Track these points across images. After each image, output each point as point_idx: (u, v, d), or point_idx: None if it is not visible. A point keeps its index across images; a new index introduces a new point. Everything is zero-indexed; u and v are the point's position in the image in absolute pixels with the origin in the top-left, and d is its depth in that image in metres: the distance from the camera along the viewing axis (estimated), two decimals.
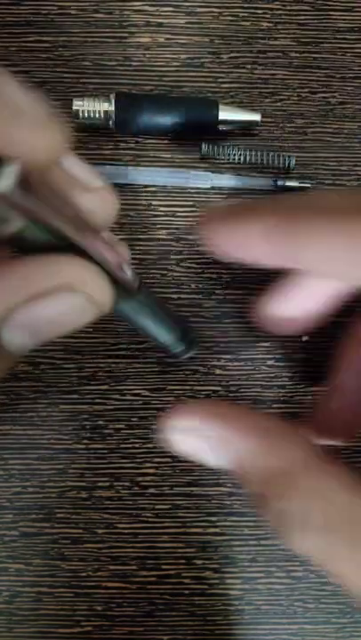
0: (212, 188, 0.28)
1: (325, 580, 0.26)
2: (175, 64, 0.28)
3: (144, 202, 0.28)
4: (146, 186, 0.28)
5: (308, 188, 0.27)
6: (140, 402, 0.27)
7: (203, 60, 0.28)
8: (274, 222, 0.18)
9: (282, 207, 0.19)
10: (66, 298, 0.15)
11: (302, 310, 0.22)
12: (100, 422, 0.27)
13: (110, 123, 0.27)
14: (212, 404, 0.22)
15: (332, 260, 0.18)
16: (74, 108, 0.27)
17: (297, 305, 0.22)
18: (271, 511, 0.18)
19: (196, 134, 0.28)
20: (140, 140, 0.28)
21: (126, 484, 0.27)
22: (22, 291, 0.15)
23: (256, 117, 0.27)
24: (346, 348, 0.23)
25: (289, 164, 0.27)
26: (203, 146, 0.27)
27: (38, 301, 0.15)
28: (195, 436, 0.19)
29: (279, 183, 0.27)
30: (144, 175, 0.27)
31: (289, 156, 0.27)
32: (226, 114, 0.27)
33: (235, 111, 0.27)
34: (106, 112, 0.26)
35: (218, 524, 0.27)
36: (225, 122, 0.27)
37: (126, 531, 0.26)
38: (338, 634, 0.26)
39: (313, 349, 0.27)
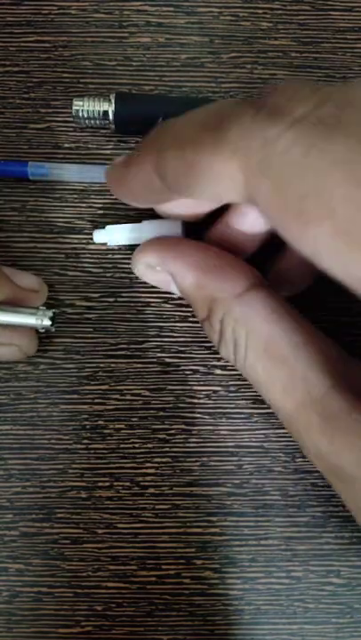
0: None
1: (325, 579, 0.27)
2: (175, 64, 0.28)
3: None
4: None
5: None
6: (140, 402, 0.27)
7: (203, 60, 0.28)
8: (151, 164, 0.20)
9: (152, 145, 0.20)
10: (11, 349, 0.25)
11: (242, 235, 0.23)
12: (100, 422, 0.27)
13: (110, 123, 0.27)
14: (170, 241, 0.24)
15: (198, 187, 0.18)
16: (74, 107, 0.27)
17: (234, 230, 0.23)
18: (212, 334, 0.22)
19: None
20: (140, 139, 0.28)
21: (126, 484, 0.27)
22: None
23: None
24: None
25: None
26: None
27: None
28: (155, 271, 0.24)
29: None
30: None
31: None
32: None
33: None
34: (106, 112, 0.26)
35: (218, 524, 0.27)
36: None
37: (126, 531, 0.26)
38: (338, 634, 0.26)
39: None
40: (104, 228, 0.26)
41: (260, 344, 0.21)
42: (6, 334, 0.25)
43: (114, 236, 0.26)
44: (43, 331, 0.25)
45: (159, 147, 0.19)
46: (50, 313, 0.24)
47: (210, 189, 0.18)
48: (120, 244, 0.27)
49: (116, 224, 0.26)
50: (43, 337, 0.27)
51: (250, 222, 0.23)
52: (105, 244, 0.27)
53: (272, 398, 0.21)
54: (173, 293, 0.25)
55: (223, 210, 0.23)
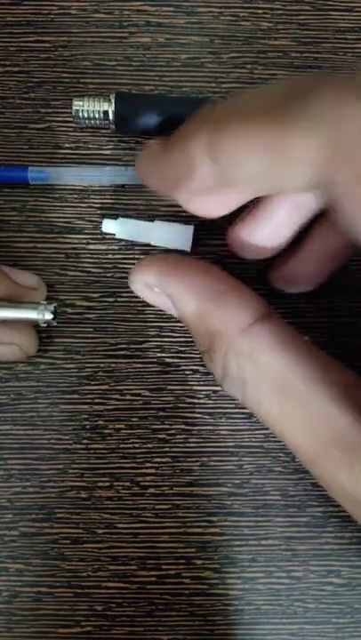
0: None
1: (326, 579, 0.27)
2: (175, 64, 0.28)
3: (144, 202, 0.28)
4: (146, 185, 0.28)
5: None
6: (140, 402, 0.27)
7: (203, 60, 0.28)
8: (203, 143, 0.17)
9: (205, 122, 0.18)
10: (9, 349, 0.25)
11: (271, 234, 0.22)
12: (100, 422, 0.27)
13: (110, 123, 0.27)
14: (171, 260, 0.22)
15: (258, 170, 0.16)
16: (74, 107, 0.27)
17: (265, 229, 0.22)
18: (214, 368, 0.21)
19: None
20: (140, 139, 0.28)
21: (126, 484, 0.27)
22: None
23: None
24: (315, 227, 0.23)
25: None
26: None
27: None
28: (154, 292, 0.22)
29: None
30: None
31: None
32: None
33: None
34: (106, 112, 0.26)
35: (218, 524, 0.27)
36: None
37: (126, 531, 0.26)
38: (338, 634, 0.26)
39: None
40: (115, 218, 0.27)
41: (272, 381, 0.19)
42: (7, 333, 0.24)
43: (124, 228, 0.26)
44: (44, 325, 0.25)
45: (214, 125, 0.17)
46: (51, 307, 0.24)
47: (278, 175, 0.16)
48: (128, 238, 0.27)
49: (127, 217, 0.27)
50: (43, 337, 0.27)
51: (278, 220, 0.21)
52: (112, 235, 0.27)
53: (289, 437, 0.19)
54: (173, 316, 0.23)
55: (241, 210, 0.22)
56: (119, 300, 0.27)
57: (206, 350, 0.21)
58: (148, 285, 0.21)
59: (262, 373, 0.19)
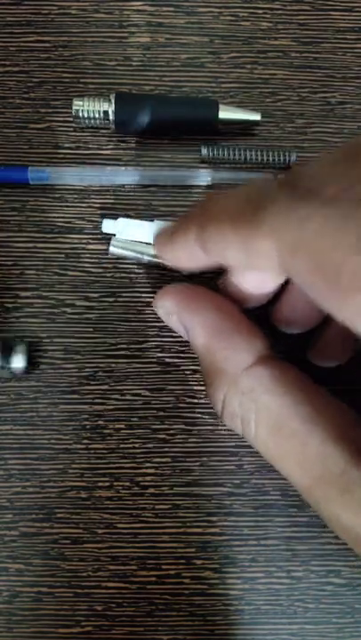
0: (213, 186, 0.28)
1: (326, 579, 0.27)
2: (175, 64, 0.28)
3: (144, 202, 0.28)
4: (146, 186, 0.28)
5: None
6: (140, 402, 0.27)
7: (203, 60, 0.28)
8: (194, 237, 0.21)
9: (195, 220, 0.21)
10: None
11: (255, 288, 0.23)
12: (100, 422, 0.27)
13: (110, 123, 0.27)
14: (189, 291, 0.24)
15: (242, 257, 0.19)
16: (74, 107, 0.27)
17: (250, 283, 0.23)
18: (214, 403, 0.22)
19: (196, 134, 0.28)
20: (140, 139, 0.28)
21: (126, 484, 0.27)
22: None
23: (256, 117, 0.27)
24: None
25: (290, 160, 0.27)
26: (203, 149, 0.27)
27: None
28: (173, 319, 0.23)
29: (280, 177, 0.27)
30: (144, 175, 0.27)
31: (290, 152, 0.27)
32: (226, 113, 0.27)
33: (235, 111, 0.27)
34: (106, 112, 0.26)
35: (218, 524, 0.27)
36: (225, 121, 0.27)
37: (126, 531, 0.26)
38: (338, 634, 0.26)
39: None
40: (115, 218, 0.27)
41: (269, 420, 0.20)
42: None
43: (124, 228, 0.26)
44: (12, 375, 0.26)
45: (201, 223, 0.20)
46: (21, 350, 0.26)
47: (248, 264, 0.19)
48: (128, 238, 0.27)
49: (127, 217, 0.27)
50: (43, 337, 0.27)
51: (253, 282, 0.23)
52: (112, 235, 0.27)
53: (286, 473, 0.20)
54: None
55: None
56: (119, 300, 0.27)
57: (209, 384, 0.22)
58: (169, 312, 0.23)
59: (261, 412, 0.20)
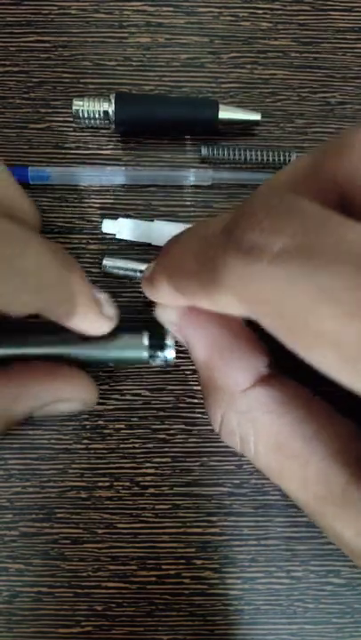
0: (213, 186, 0.28)
1: (325, 579, 0.27)
2: (175, 64, 0.28)
3: (144, 202, 0.28)
4: (146, 186, 0.28)
5: None
6: (140, 402, 0.27)
7: (203, 60, 0.28)
8: (169, 288, 0.20)
9: (165, 272, 0.20)
10: (74, 404, 0.24)
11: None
12: (100, 422, 0.27)
13: (110, 123, 0.27)
14: (191, 311, 0.22)
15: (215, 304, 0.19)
16: (74, 108, 0.27)
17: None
18: (212, 420, 0.21)
19: (196, 134, 0.28)
20: (140, 139, 0.28)
21: (126, 484, 0.27)
22: (52, 397, 0.23)
23: (256, 117, 0.27)
24: None
25: (290, 160, 0.27)
26: (203, 149, 0.27)
27: (57, 404, 0.23)
28: (171, 327, 0.22)
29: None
30: (144, 175, 0.27)
31: (290, 152, 0.27)
32: (226, 113, 0.27)
33: (235, 111, 0.27)
34: (106, 112, 0.26)
35: (218, 524, 0.27)
36: (225, 121, 0.27)
37: (126, 531, 0.26)
38: (338, 634, 0.26)
39: None
40: (115, 219, 0.27)
41: (269, 440, 0.20)
42: (67, 388, 0.24)
43: (124, 228, 0.26)
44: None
45: (167, 272, 0.20)
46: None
47: (220, 310, 0.19)
48: (128, 238, 0.27)
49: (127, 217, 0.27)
50: None
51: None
52: (112, 235, 0.27)
53: (288, 491, 0.20)
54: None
55: None
56: (119, 300, 0.27)
57: (207, 398, 0.21)
58: (170, 322, 0.22)
59: (260, 432, 0.20)
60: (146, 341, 0.23)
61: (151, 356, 0.23)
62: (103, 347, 0.23)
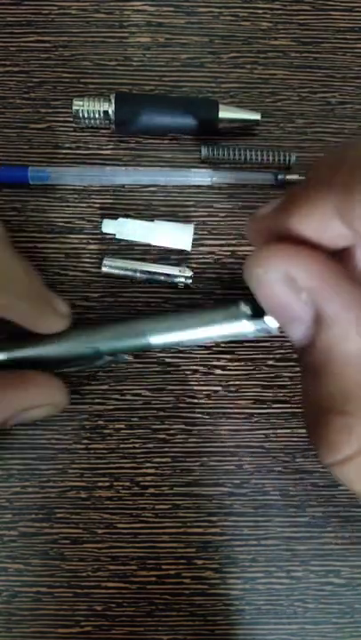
0: (212, 187, 0.28)
1: (325, 579, 0.26)
2: (175, 64, 0.28)
3: (144, 202, 0.28)
4: (146, 186, 0.28)
5: None
6: (141, 402, 0.27)
7: (203, 60, 0.28)
8: (332, 207, 0.14)
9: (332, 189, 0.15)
10: (46, 409, 0.24)
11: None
12: (100, 422, 0.27)
13: (110, 123, 0.27)
14: (339, 270, 0.15)
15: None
16: (74, 107, 0.27)
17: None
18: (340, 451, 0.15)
19: (197, 134, 0.28)
20: (140, 139, 0.28)
21: (126, 484, 0.27)
22: (24, 405, 0.24)
23: (256, 116, 0.27)
24: None
25: (289, 160, 0.27)
26: (203, 149, 0.27)
27: (29, 411, 0.24)
28: (292, 292, 0.15)
29: (280, 177, 0.27)
30: (144, 175, 0.27)
31: (290, 153, 0.27)
32: (226, 113, 0.27)
33: (235, 111, 0.27)
34: (106, 112, 0.26)
35: (218, 524, 0.27)
36: (225, 121, 0.27)
37: (126, 531, 0.26)
38: (338, 634, 0.26)
39: None
40: (115, 219, 0.27)
41: None
42: (38, 395, 0.24)
43: (124, 228, 0.26)
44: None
45: (346, 184, 0.14)
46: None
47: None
48: (128, 238, 0.27)
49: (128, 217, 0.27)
50: None
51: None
52: (112, 235, 0.27)
53: None
54: (281, 334, 0.20)
55: None
56: (119, 299, 0.27)
57: (342, 414, 0.15)
58: (291, 281, 0.15)
59: None
60: (247, 310, 0.21)
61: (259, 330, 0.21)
62: (206, 323, 0.22)
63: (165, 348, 0.27)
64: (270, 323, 0.21)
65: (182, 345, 0.24)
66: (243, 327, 0.22)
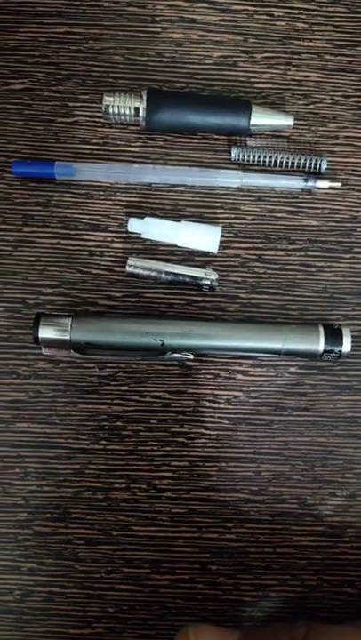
0: (241, 189, 0.27)
1: (339, 589, 0.26)
2: (208, 62, 0.28)
3: (171, 201, 0.27)
4: (173, 185, 0.27)
5: (337, 188, 0.27)
6: (160, 404, 0.27)
7: (236, 59, 0.28)
8: None
9: None
10: None
11: None
12: (119, 423, 0.26)
13: (141, 119, 0.26)
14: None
15: None
16: (104, 103, 0.26)
17: None
18: None
19: (227, 134, 0.27)
20: (168, 137, 0.27)
21: (143, 486, 0.26)
22: None
23: (289, 122, 0.27)
24: None
25: (320, 166, 0.27)
26: (233, 151, 0.27)
27: None
28: None
29: (310, 183, 0.27)
30: (172, 174, 0.27)
31: (321, 158, 0.27)
32: (258, 117, 0.26)
33: (267, 113, 0.27)
34: (137, 108, 0.26)
35: (234, 530, 0.26)
36: (257, 125, 0.27)
37: (141, 533, 0.26)
38: None
39: None
40: (142, 218, 0.26)
41: None
42: None
43: (150, 227, 0.26)
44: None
45: None
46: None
47: None
48: (154, 238, 0.26)
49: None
50: None
51: None
52: (138, 234, 0.26)
53: None
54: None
55: None
56: (142, 300, 0.27)
57: None
58: None
59: None
60: (322, 334, 0.24)
61: (325, 352, 0.24)
62: (278, 340, 0.25)
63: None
64: (344, 347, 0.24)
65: (240, 353, 0.26)
66: (315, 346, 0.25)
